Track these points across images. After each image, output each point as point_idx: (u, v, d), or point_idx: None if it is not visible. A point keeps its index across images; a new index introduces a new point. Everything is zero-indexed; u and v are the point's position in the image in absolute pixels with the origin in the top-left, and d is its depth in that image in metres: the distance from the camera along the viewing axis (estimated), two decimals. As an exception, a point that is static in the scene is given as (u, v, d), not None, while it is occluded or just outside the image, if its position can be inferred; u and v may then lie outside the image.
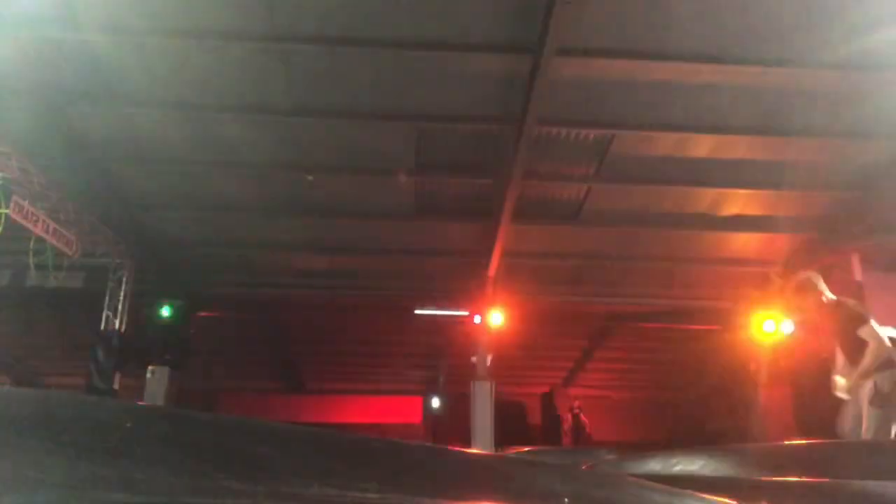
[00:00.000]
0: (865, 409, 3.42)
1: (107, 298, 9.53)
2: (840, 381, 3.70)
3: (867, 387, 3.44)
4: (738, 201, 8.59)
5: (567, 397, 16.05)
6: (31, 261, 7.87)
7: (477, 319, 10.11)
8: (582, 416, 14.58)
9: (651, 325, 12.58)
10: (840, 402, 3.83)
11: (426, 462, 0.90)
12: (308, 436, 0.87)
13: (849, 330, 3.55)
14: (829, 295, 3.77)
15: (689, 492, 0.94)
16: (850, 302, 3.85)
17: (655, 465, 2.02)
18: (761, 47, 6.08)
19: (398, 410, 18.29)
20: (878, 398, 3.35)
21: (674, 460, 1.98)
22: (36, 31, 5.86)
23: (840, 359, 3.66)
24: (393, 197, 8.61)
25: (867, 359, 3.43)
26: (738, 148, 7.57)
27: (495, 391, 10.27)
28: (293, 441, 0.84)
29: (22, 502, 0.51)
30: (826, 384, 3.83)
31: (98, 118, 7.06)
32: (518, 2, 5.65)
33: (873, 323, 3.53)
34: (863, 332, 3.49)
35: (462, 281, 10.09)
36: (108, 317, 9.49)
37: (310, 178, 7.91)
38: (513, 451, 7.91)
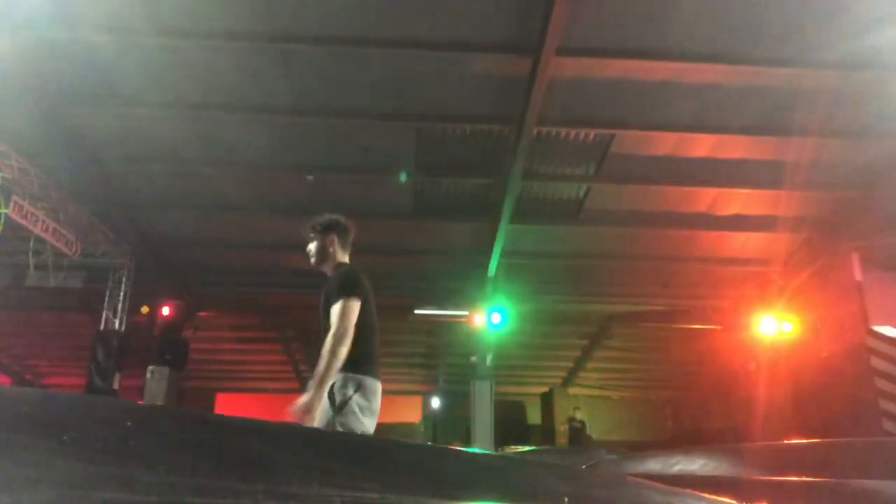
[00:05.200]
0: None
1: (107, 298, 9.53)
2: None
3: None
4: (738, 201, 8.59)
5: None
6: (31, 261, 7.88)
7: (477, 319, 10.11)
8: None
9: (651, 325, 12.57)
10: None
11: (426, 462, 0.90)
12: (308, 436, 0.87)
13: None
14: None
15: (689, 492, 0.94)
16: None
17: (655, 465, 2.02)
18: (761, 47, 6.07)
19: (398, 410, 18.27)
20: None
21: (674, 460, 1.98)
22: (36, 31, 5.86)
23: None
24: (393, 197, 8.61)
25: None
26: (738, 148, 7.56)
27: (495, 391, 10.28)
28: (293, 441, 0.84)
29: (22, 502, 0.51)
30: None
31: (98, 118, 7.06)
32: (518, 2, 5.66)
33: None
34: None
35: (462, 281, 10.09)
36: (108, 317, 9.50)
37: (310, 177, 7.90)
38: (512, 451, 7.92)
